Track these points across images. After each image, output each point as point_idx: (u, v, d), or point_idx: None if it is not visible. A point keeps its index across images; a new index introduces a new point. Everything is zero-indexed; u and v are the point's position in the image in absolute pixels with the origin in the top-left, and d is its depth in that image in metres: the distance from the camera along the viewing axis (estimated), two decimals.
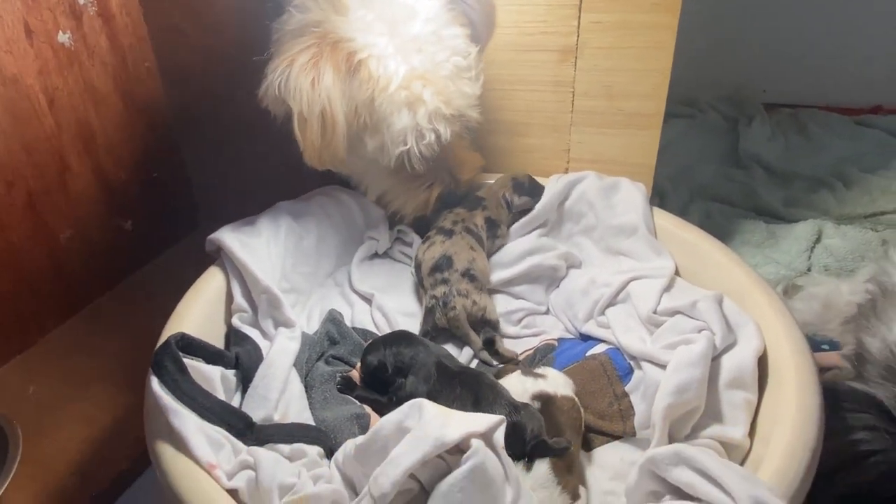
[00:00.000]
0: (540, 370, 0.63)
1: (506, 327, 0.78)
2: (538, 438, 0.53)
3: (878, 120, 1.42)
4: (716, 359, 0.59)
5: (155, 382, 0.53)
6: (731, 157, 1.29)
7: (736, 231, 1.03)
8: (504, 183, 0.84)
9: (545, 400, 0.60)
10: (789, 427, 0.47)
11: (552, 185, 0.84)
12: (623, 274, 0.73)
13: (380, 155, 0.73)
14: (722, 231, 1.03)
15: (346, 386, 0.66)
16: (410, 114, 0.69)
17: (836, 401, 0.51)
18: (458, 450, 0.48)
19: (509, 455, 0.49)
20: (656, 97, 0.80)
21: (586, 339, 0.75)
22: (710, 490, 0.39)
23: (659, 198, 1.15)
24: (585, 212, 0.82)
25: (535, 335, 0.78)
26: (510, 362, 0.73)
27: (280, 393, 0.59)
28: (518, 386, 0.61)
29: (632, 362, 0.66)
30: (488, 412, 0.55)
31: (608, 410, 0.64)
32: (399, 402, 0.53)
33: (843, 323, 0.69)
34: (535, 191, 0.84)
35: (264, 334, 0.68)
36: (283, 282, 0.75)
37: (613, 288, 0.73)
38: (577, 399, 0.60)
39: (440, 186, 0.79)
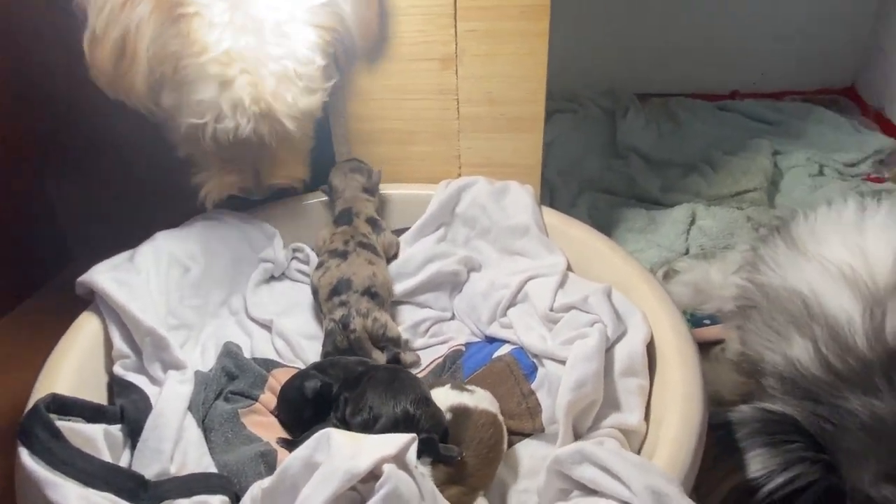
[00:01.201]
0: (471, 387, 0.65)
1: (414, 338, 0.78)
2: (428, 435, 0.54)
3: (735, 104, 1.55)
4: (609, 349, 0.62)
5: (25, 454, 0.48)
6: (611, 149, 1.37)
7: (621, 219, 1.10)
8: (349, 180, 0.84)
9: (460, 412, 0.61)
10: (678, 412, 0.50)
11: (441, 191, 0.85)
12: (520, 274, 0.76)
13: (175, 113, 0.68)
14: (608, 220, 1.10)
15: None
16: (215, 91, 0.65)
17: (766, 431, 0.50)
18: (372, 476, 0.48)
19: None
20: (534, 101, 0.83)
21: (492, 340, 0.76)
22: (611, 484, 0.42)
23: (550, 192, 1.19)
24: (479, 216, 0.84)
25: (442, 342, 0.78)
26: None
27: (174, 443, 0.55)
28: (441, 397, 0.62)
29: (535, 360, 0.69)
30: (393, 400, 0.58)
31: (517, 409, 0.66)
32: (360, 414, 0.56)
33: (720, 313, 0.75)
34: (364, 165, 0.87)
35: (152, 380, 0.63)
36: (170, 318, 0.70)
37: (512, 289, 0.75)
38: (500, 418, 0.61)
39: (241, 180, 0.76)
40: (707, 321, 0.85)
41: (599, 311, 0.65)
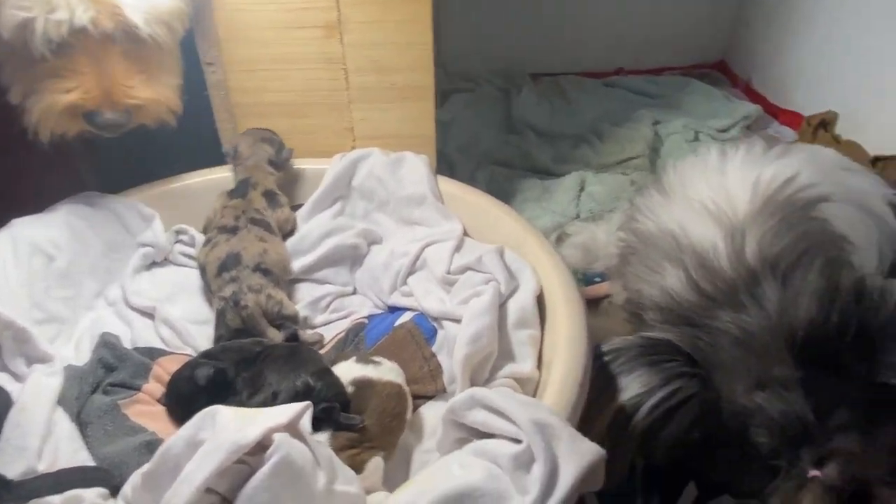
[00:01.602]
0: (377, 359, 0.63)
1: (314, 315, 0.76)
2: (326, 404, 0.54)
3: (620, 80, 1.64)
4: (503, 304, 0.63)
5: None
6: (507, 125, 1.40)
7: (517, 190, 1.13)
8: (257, 148, 0.81)
9: (364, 384, 0.60)
10: (563, 353, 0.52)
11: (336, 164, 0.83)
12: (418, 242, 0.76)
13: None
14: (505, 191, 1.12)
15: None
16: None
17: (646, 354, 0.52)
18: (262, 448, 0.46)
19: None
20: (423, 69, 0.82)
21: (394, 310, 0.76)
22: (500, 423, 0.43)
23: (449, 168, 1.20)
24: (376, 188, 0.83)
25: (344, 317, 0.77)
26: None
27: (42, 439, 0.50)
28: (344, 371, 0.61)
29: (435, 324, 0.69)
30: (292, 373, 0.57)
31: (419, 374, 0.66)
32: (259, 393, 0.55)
33: (608, 269, 0.78)
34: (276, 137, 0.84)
35: (15, 377, 0.57)
36: (35, 311, 0.64)
37: (411, 256, 0.74)
38: (405, 389, 0.60)
39: (83, 97, 0.63)
40: (598, 279, 0.89)
41: (493, 270, 0.66)
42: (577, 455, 0.38)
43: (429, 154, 0.87)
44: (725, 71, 1.73)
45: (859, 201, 0.64)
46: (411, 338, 0.69)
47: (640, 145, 1.22)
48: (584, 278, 0.93)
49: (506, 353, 0.60)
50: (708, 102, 1.44)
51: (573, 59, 1.75)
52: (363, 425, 0.56)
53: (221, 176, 0.84)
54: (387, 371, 0.62)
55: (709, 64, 1.77)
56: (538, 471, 0.38)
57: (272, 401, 0.57)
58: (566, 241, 0.97)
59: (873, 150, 1.14)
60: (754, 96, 1.57)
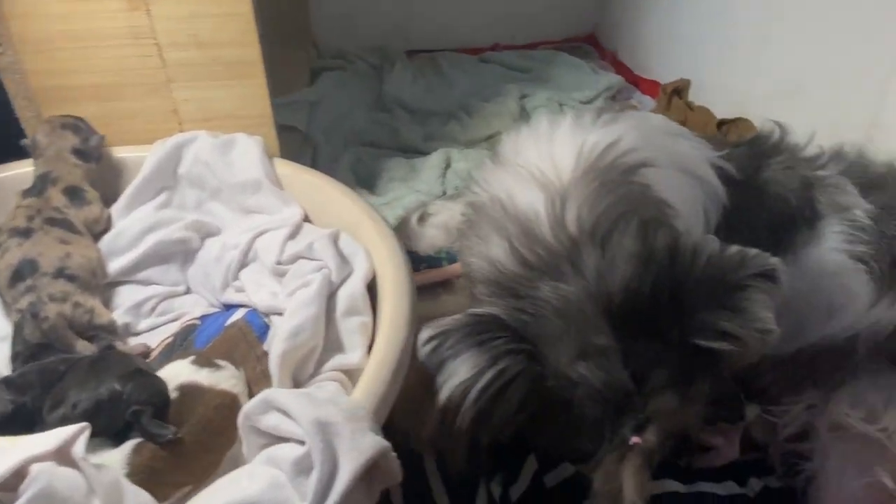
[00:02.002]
0: (221, 362, 0.57)
1: (136, 321, 0.69)
2: (137, 407, 0.49)
3: (494, 56, 1.63)
4: (335, 293, 0.59)
5: None
6: (378, 103, 1.36)
7: (384, 170, 1.09)
8: (57, 137, 0.72)
9: (190, 390, 0.54)
10: (381, 340, 0.49)
11: (157, 151, 0.75)
12: (248, 232, 0.70)
13: None
14: (371, 172, 1.08)
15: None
16: None
17: (473, 333, 0.49)
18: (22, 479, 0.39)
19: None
20: (248, 43, 0.76)
21: (230, 308, 0.70)
22: (289, 425, 0.39)
23: (313, 150, 1.14)
24: (205, 174, 0.76)
25: (173, 320, 0.70)
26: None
27: None
28: (172, 373, 0.55)
29: (266, 319, 0.64)
30: (95, 380, 0.51)
31: (253, 375, 0.60)
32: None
33: (453, 245, 0.77)
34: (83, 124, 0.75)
35: None
36: None
37: (241, 248, 0.69)
38: (241, 402, 0.53)
39: None
40: (445, 261, 0.88)
41: (324, 257, 0.62)
42: (356, 452, 0.35)
43: (267, 135, 0.81)
44: (595, 44, 1.77)
45: (683, 165, 0.65)
46: (243, 336, 0.63)
47: (505, 120, 1.22)
48: (447, 257, 0.91)
49: (334, 344, 0.56)
50: (574, 75, 1.47)
51: (450, 35, 1.73)
52: (175, 438, 0.50)
53: (25, 171, 0.74)
54: (224, 378, 0.56)
55: (580, 37, 1.80)
56: (315, 474, 0.35)
57: (72, 413, 0.50)
58: (428, 221, 0.95)
59: (721, 114, 1.20)
60: (620, 67, 1.61)
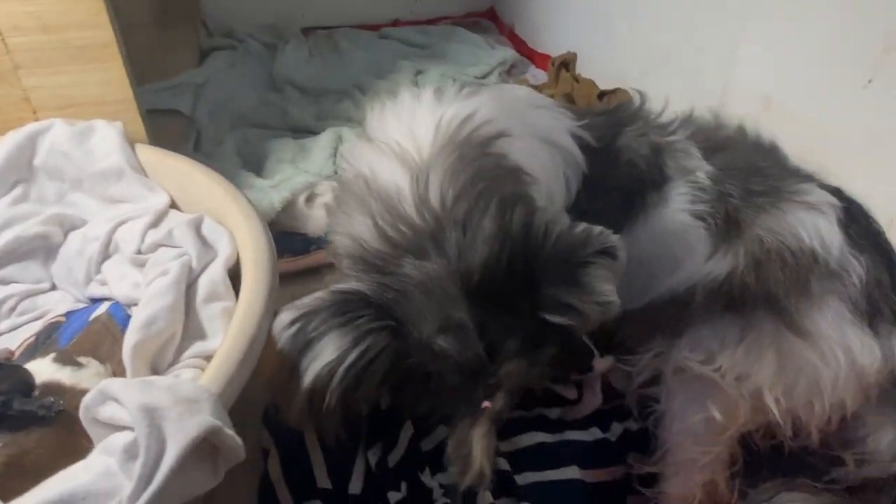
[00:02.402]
0: (83, 360, 0.55)
1: None
2: (2, 400, 0.47)
3: (393, 32, 1.62)
4: (196, 279, 0.59)
5: None
6: (270, 83, 1.32)
7: (271, 151, 1.07)
8: None
9: (51, 390, 0.52)
10: (235, 322, 0.50)
11: (7, 142, 0.71)
12: (109, 222, 0.67)
13: None
14: (258, 153, 1.06)
15: None
16: None
17: (338, 312, 0.49)
18: None
19: None
20: (100, 25, 0.72)
21: (96, 302, 0.68)
22: (121, 413, 0.39)
23: (197, 133, 1.10)
24: (63, 165, 0.72)
25: (37, 318, 0.67)
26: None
27: None
28: (32, 371, 0.52)
29: (129, 311, 0.62)
30: None
31: (120, 369, 0.59)
32: None
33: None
34: None
35: None
36: None
37: (101, 240, 0.66)
38: None
39: None
40: (314, 246, 0.88)
41: (184, 243, 0.61)
42: (181, 434, 0.36)
43: (131, 121, 0.78)
44: (494, 18, 1.79)
45: (543, 135, 0.68)
46: (107, 331, 0.62)
47: None
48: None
49: (195, 332, 0.56)
50: (471, 50, 1.48)
51: (349, 12, 1.70)
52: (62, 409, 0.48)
53: None
54: (87, 377, 0.54)
55: (480, 12, 1.82)
56: (140, 458, 0.35)
57: None
58: (315, 202, 0.94)
59: (603, 85, 1.25)
60: (517, 42, 1.64)
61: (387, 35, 1.62)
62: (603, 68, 1.28)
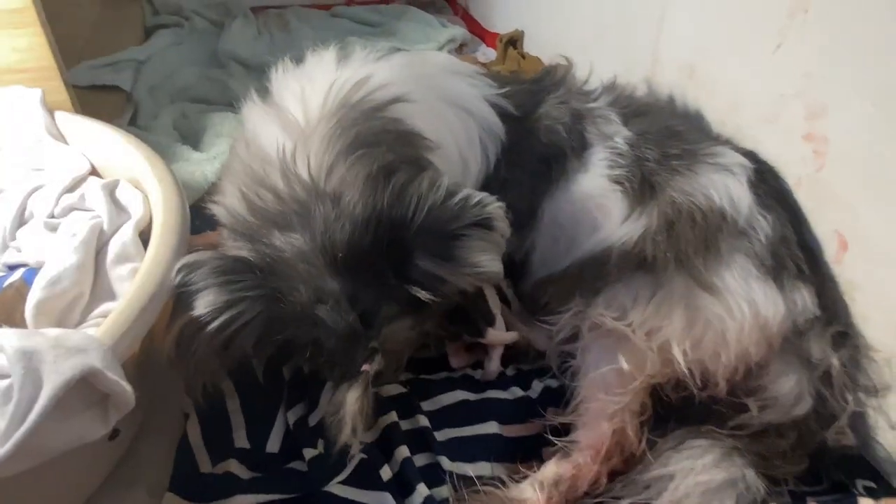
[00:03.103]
0: None
1: None
2: None
3: (345, 11, 1.61)
4: (107, 242, 0.58)
5: None
6: (215, 60, 1.30)
7: (210, 125, 1.05)
8: None
9: None
10: (139, 277, 0.49)
11: None
12: (25, 189, 0.66)
13: None
14: (196, 127, 1.05)
15: None
16: None
17: (219, 272, 0.50)
18: None
19: None
20: None
21: (12, 268, 0.67)
22: (2, 360, 0.39)
23: (135, 108, 1.09)
24: None
25: None
26: None
27: None
28: None
29: None
30: None
31: None
32: None
33: None
34: None
35: None
36: None
37: (17, 206, 0.65)
38: None
39: None
40: None
41: (96, 207, 0.60)
42: (56, 375, 0.36)
43: (55, 89, 0.76)
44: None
45: (458, 102, 0.68)
46: (20, 297, 0.61)
47: None
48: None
49: (104, 293, 0.55)
50: (421, 28, 1.48)
51: None
52: None
53: None
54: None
55: None
56: (13, 399, 0.35)
57: None
58: None
59: (549, 61, 1.26)
60: (470, 22, 1.64)
61: (339, 14, 1.61)
62: (547, 45, 1.30)
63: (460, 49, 1.47)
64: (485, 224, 0.52)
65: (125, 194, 0.62)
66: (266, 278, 0.51)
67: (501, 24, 1.48)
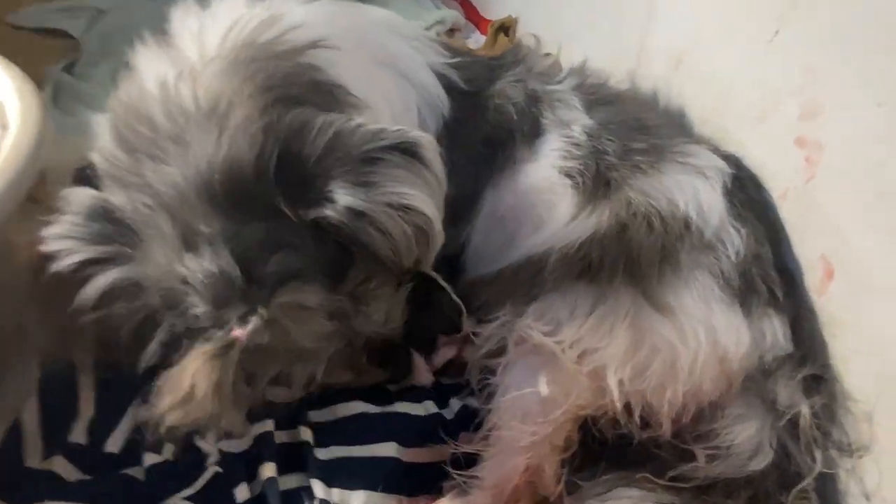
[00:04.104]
0: None
1: None
2: None
3: None
4: None
5: None
6: None
7: None
8: None
9: None
10: None
11: None
12: None
13: None
14: None
15: None
16: None
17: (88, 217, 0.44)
18: None
19: None
20: None
21: None
22: None
23: (79, 55, 1.01)
24: None
25: None
26: None
27: None
28: None
29: None
30: None
31: None
32: None
33: None
34: None
35: None
36: None
37: None
38: None
39: None
40: None
41: None
42: None
43: None
44: None
45: (394, 65, 0.58)
46: None
47: None
48: None
49: None
50: (411, 7, 1.38)
51: None
52: None
53: None
54: None
55: None
56: None
57: None
58: None
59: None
60: (468, 8, 1.55)
61: None
62: (540, 34, 1.20)
63: (451, 33, 1.38)
64: (407, 149, 0.42)
65: None
66: (125, 229, 0.43)
67: (495, 10, 1.38)
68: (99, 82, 0.93)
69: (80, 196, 0.45)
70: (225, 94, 0.44)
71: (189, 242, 0.42)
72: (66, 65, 0.97)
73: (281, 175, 0.41)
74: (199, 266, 0.41)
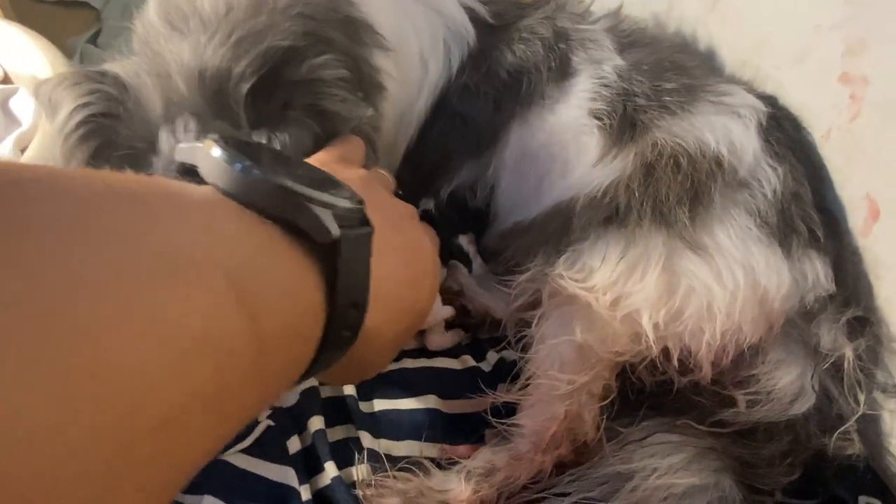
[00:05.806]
0: None
1: None
2: None
3: None
4: None
5: None
6: None
7: None
8: None
9: None
10: None
11: None
12: None
13: None
14: None
15: None
16: None
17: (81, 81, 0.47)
18: None
19: None
20: None
21: None
22: None
23: (100, 26, 1.01)
24: None
25: None
26: None
27: None
28: None
29: None
30: None
31: None
32: None
33: None
34: None
35: None
36: None
37: None
38: None
39: None
40: None
41: None
42: None
43: None
44: None
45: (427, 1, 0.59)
46: None
47: None
48: None
49: None
50: None
51: None
52: None
53: None
54: None
55: None
56: None
57: None
58: None
59: None
60: None
61: None
62: None
63: None
64: None
65: (19, 103, 0.54)
66: (123, 90, 0.47)
67: None
68: (120, 52, 0.93)
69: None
70: (266, 8, 0.45)
71: (168, 115, 0.45)
72: (90, 36, 0.97)
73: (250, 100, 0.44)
74: (166, 137, 0.45)
